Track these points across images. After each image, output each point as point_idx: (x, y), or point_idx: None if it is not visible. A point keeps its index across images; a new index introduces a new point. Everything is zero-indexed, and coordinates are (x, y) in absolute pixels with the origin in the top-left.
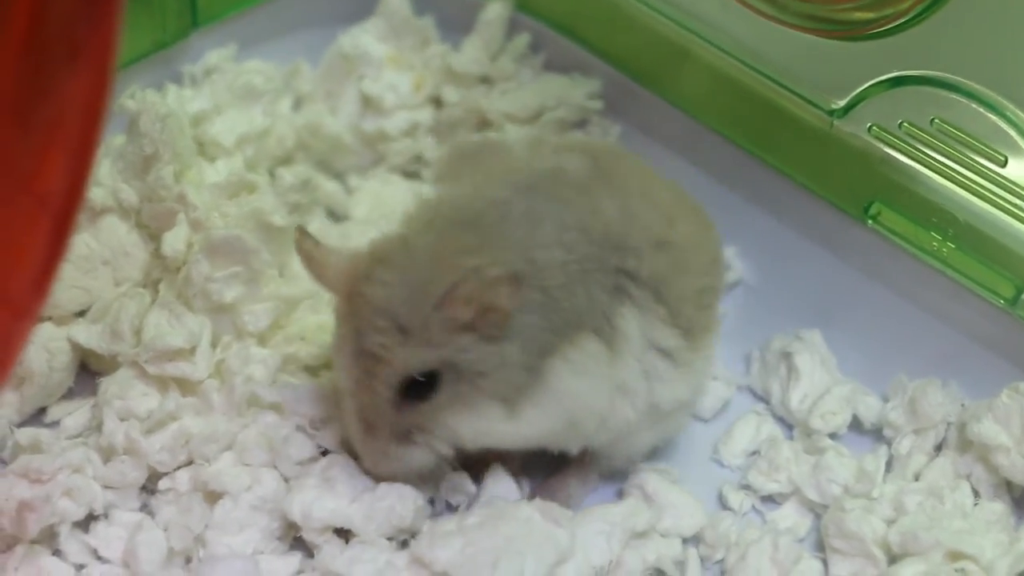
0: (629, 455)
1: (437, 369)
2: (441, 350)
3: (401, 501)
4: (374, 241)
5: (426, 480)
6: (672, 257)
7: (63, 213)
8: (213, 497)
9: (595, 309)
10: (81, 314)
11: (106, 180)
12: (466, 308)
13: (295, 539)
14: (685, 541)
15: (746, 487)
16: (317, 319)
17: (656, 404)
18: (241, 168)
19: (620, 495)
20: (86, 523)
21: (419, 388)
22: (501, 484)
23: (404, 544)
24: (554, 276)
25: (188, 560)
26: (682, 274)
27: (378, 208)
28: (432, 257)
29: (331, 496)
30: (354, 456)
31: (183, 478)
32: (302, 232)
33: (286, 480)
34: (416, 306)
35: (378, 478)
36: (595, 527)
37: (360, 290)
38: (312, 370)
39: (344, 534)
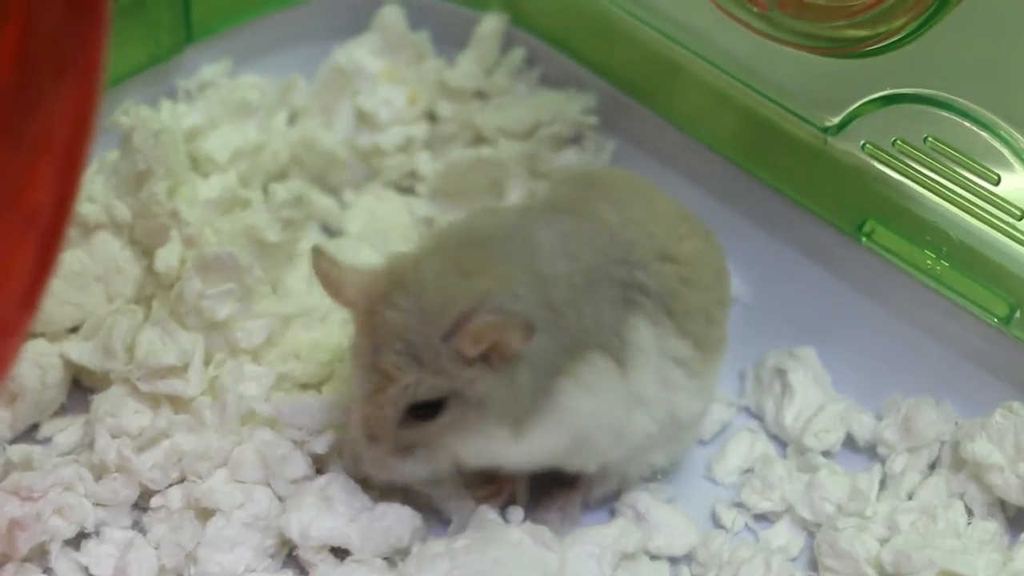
0: (640, 472)
1: (441, 397)
2: (450, 380)
3: (399, 521)
4: (391, 259)
5: (429, 487)
6: (678, 271)
7: (51, 229)
8: (205, 515)
9: (603, 325)
10: (74, 330)
11: (99, 196)
12: (475, 345)
13: (288, 557)
14: (677, 560)
15: (739, 505)
16: (311, 336)
17: (674, 414)
18: (235, 184)
19: (612, 515)
20: (77, 541)
21: (424, 410)
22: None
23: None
24: (561, 291)
25: None
26: (689, 288)
27: (372, 224)
28: (441, 281)
29: (329, 515)
30: (350, 470)
31: (175, 495)
32: (318, 251)
33: (280, 498)
34: (428, 334)
35: (375, 482)
36: (585, 550)
37: (378, 310)
38: (306, 388)
39: (339, 552)
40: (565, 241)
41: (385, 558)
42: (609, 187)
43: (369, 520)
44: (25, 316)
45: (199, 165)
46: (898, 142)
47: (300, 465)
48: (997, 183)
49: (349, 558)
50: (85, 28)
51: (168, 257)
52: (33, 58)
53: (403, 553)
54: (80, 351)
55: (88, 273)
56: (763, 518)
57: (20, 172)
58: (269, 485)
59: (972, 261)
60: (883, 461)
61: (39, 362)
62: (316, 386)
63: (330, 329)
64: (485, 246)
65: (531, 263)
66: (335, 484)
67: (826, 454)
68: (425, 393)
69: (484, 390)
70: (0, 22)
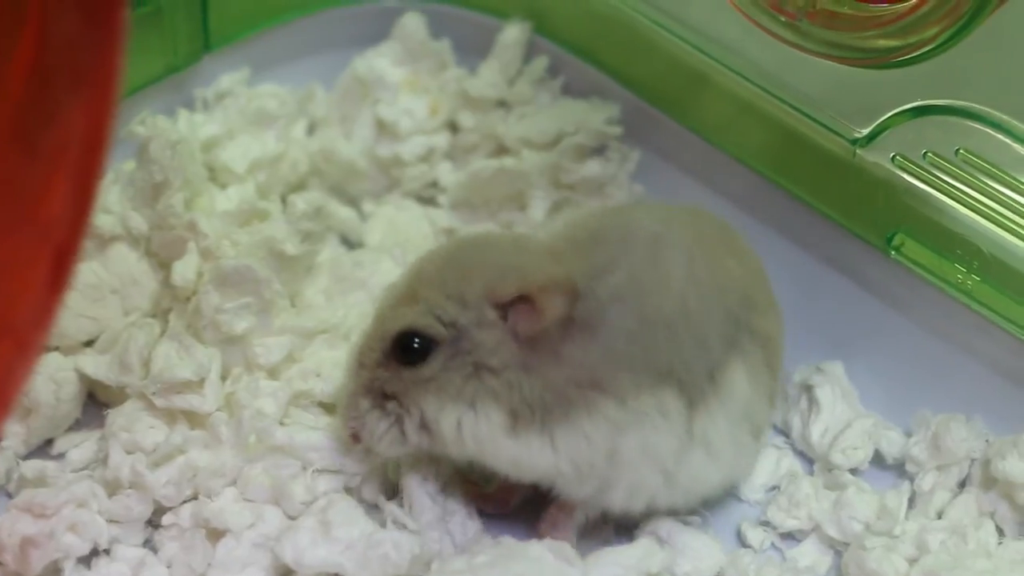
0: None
1: (436, 336)
2: (458, 316)
3: (396, 549)
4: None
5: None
6: (777, 348)
7: (67, 242)
8: (216, 534)
9: (700, 360)
10: (89, 344)
11: (115, 207)
12: (508, 285)
13: None
14: None
15: (765, 524)
16: (333, 355)
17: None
18: (253, 195)
19: (633, 539)
20: (89, 559)
21: (412, 354)
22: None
23: None
24: (667, 304)
25: None
26: (778, 367)
27: (393, 234)
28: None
29: (325, 541)
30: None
31: (186, 513)
32: None
33: (290, 518)
34: (465, 275)
35: (347, 438)
36: (609, 571)
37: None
38: (326, 407)
39: None
40: (692, 260)
41: None
42: (731, 239)
43: (365, 548)
44: (41, 330)
45: (217, 176)
46: (929, 154)
47: (311, 487)
48: None
49: None
50: (101, 39)
51: (185, 270)
52: (49, 69)
53: None
54: (95, 365)
55: (104, 286)
56: (789, 537)
57: (36, 184)
58: (279, 505)
59: (1004, 275)
60: (912, 479)
61: (53, 376)
62: (335, 408)
63: None
64: (593, 242)
65: (643, 266)
66: (335, 507)
67: (854, 471)
68: (420, 320)
69: (491, 350)
70: (15, 33)
